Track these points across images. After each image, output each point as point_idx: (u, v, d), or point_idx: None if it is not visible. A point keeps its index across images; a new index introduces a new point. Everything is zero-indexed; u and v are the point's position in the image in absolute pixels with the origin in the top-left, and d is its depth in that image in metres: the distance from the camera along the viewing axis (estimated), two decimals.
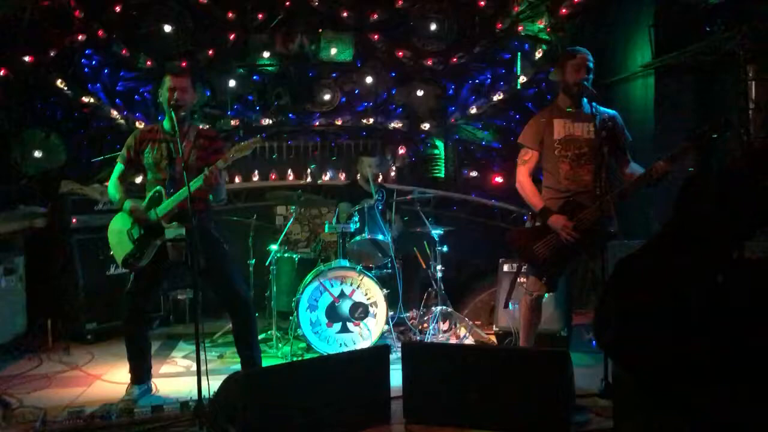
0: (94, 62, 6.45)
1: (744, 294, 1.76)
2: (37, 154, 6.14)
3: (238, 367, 4.11)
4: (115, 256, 3.90)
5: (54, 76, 6.22)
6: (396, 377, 3.51)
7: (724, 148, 4.69)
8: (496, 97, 6.85)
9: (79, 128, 6.48)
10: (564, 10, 6.46)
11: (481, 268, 6.04)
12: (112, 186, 3.91)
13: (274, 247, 5.23)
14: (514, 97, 6.91)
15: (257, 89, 6.87)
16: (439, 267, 5.21)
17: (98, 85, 6.39)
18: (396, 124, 6.97)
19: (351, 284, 4.83)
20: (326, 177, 6.96)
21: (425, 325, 5.28)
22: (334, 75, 6.91)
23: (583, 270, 4.02)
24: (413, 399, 3.42)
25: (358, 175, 5.85)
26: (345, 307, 4.79)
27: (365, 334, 4.80)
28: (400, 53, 6.83)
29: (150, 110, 6.44)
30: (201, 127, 4.04)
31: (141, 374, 3.96)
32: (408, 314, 5.51)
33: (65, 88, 6.23)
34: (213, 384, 3.32)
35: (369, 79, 6.91)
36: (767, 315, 1.73)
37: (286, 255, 5.43)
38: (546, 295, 3.99)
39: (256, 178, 6.89)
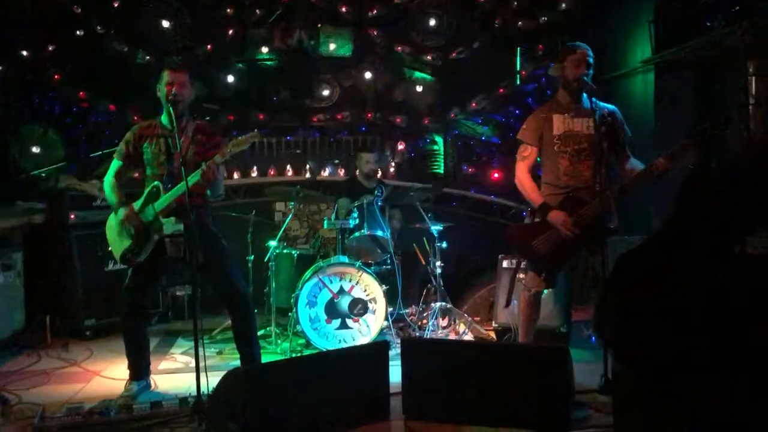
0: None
1: (745, 290, 1.75)
2: (35, 149, 6.12)
3: (237, 363, 4.10)
4: (113, 252, 3.89)
5: (52, 72, 6.21)
6: (395, 373, 3.50)
7: (725, 144, 4.68)
8: (495, 93, 6.85)
9: (77, 124, 6.46)
10: (564, 5, 6.45)
11: (480, 264, 6.04)
12: (109, 186, 3.87)
13: (272, 243, 5.22)
14: (513, 92, 6.91)
15: (256, 84, 6.85)
16: (438, 263, 5.20)
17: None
18: (395, 120, 6.96)
19: (350, 280, 4.82)
20: (325, 173, 6.95)
21: (424, 321, 5.28)
22: (332, 70, 6.89)
23: (583, 266, 4.02)
24: (412, 395, 3.41)
25: (357, 171, 5.85)
26: (344, 303, 4.79)
27: (364, 330, 4.79)
28: (400, 48, 6.81)
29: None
30: (199, 122, 4.01)
31: (140, 370, 3.95)
32: (407, 310, 5.51)
33: (63, 84, 6.22)
34: (212, 380, 3.31)
35: (368, 75, 6.89)
36: None
37: (285, 251, 5.42)
38: (545, 291, 3.98)
39: (254, 174, 6.88)
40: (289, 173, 6.88)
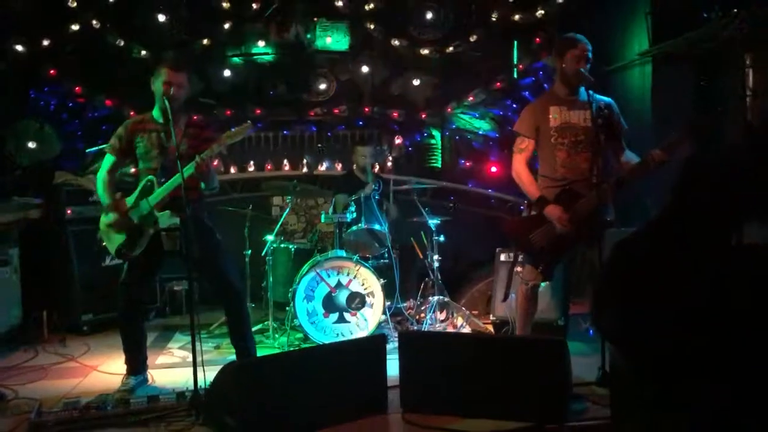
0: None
1: (743, 280, 1.74)
2: (32, 144, 6.09)
3: (234, 357, 4.09)
4: (107, 247, 3.87)
5: (47, 66, 6.18)
6: (393, 367, 3.50)
7: (721, 136, 4.68)
8: (492, 87, 6.83)
9: (73, 119, 6.43)
10: None
11: (478, 257, 6.03)
12: (102, 183, 3.85)
13: (270, 237, 5.20)
14: (510, 86, 6.88)
15: (252, 79, 6.82)
16: (436, 257, 5.20)
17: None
18: (392, 114, 6.94)
19: (348, 274, 4.81)
20: (322, 167, 6.93)
21: (422, 314, 5.28)
22: (329, 64, 6.86)
23: (580, 259, 4.01)
24: (410, 388, 3.40)
25: (354, 165, 5.84)
26: (342, 297, 4.78)
27: (362, 324, 4.79)
28: (396, 42, 6.78)
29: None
30: (191, 116, 4.01)
31: (137, 365, 3.95)
32: (405, 304, 5.51)
33: (59, 78, 6.19)
34: (209, 374, 3.32)
35: (365, 68, 6.87)
36: (766, 300, 1.72)
37: (282, 245, 5.41)
38: (543, 284, 3.98)
39: (251, 169, 6.86)
40: (286, 167, 6.86)
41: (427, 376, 3.39)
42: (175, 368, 4.35)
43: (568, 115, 3.74)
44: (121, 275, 3.91)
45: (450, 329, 5.13)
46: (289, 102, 6.82)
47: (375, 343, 3.54)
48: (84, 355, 4.74)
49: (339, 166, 6.89)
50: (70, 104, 6.43)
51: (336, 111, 6.86)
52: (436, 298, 5.17)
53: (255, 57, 6.80)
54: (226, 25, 6.57)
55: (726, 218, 1.85)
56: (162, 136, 3.79)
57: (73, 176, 5.59)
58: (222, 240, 3.99)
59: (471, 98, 6.88)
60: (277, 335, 4.99)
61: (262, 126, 6.85)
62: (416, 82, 6.92)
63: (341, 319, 4.78)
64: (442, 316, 5.24)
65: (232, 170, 6.83)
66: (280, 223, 5.36)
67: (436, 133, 7.21)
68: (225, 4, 6.52)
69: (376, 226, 5.10)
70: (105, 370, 4.33)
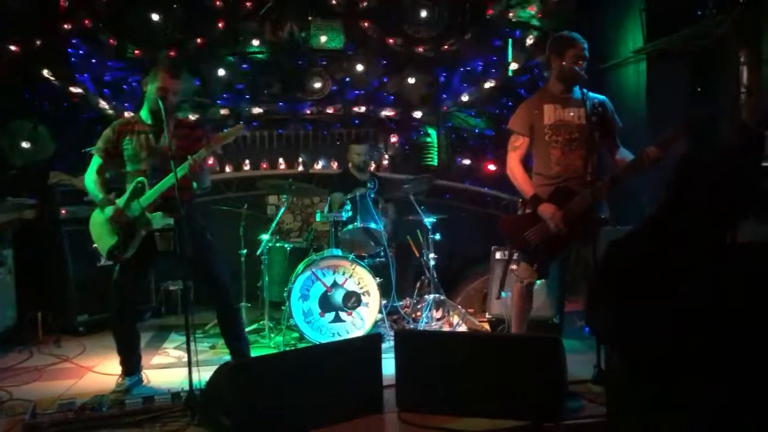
0: (81, 51, 6.36)
1: (737, 278, 1.74)
2: (25, 145, 6.07)
3: (229, 357, 4.09)
4: (98, 248, 3.84)
5: (41, 66, 6.15)
6: (389, 366, 3.50)
7: (715, 133, 4.68)
8: (488, 85, 6.83)
9: (67, 119, 6.41)
10: None
11: (473, 255, 6.03)
12: (92, 182, 3.83)
13: (265, 236, 5.19)
14: (506, 84, 6.88)
15: (247, 78, 6.81)
16: (432, 255, 5.20)
17: (86, 75, 6.32)
18: (388, 112, 6.93)
19: (343, 273, 4.81)
20: (318, 165, 6.93)
21: (418, 313, 5.27)
22: (324, 63, 6.85)
23: (575, 257, 4.01)
24: (406, 387, 3.40)
25: (350, 163, 5.83)
26: (338, 296, 4.78)
27: (358, 324, 4.79)
28: (391, 40, 6.77)
29: (140, 100, 6.38)
30: (179, 117, 4.01)
31: (131, 366, 3.94)
32: (401, 303, 5.50)
33: (52, 78, 6.16)
34: (204, 375, 3.31)
35: (360, 67, 6.85)
36: (762, 298, 1.72)
37: (277, 245, 5.40)
38: (538, 282, 3.98)
39: (247, 168, 6.85)
40: (282, 166, 6.85)
41: (423, 375, 3.39)
42: (171, 368, 4.35)
43: (562, 113, 3.74)
44: (113, 276, 3.89)
45: (446, 327, 5.13)
46: (284, 101, 6.80)
47: (370, 343, 3.54)
48: (79, 355, 4.72)
49: (335, 165, 6.88)
50: (65, 104, 6.40)
51: (331, 110, 6.85)
52: (432, 296, 5.16)
53: (249, 56, 6.78)
54: (220, 24, 6.55)
55: (721, 216, 1.85)
56: (151, 137, 3.79)
57: (67, 176, 5.56)
58: (213, 240, 3.97)
59: (466, 96, 6.88)
60: (272, 335, 4.98)
61: (257, 125, 6.83)
62: (411, 81, 6.91)
63: (337, 319, 4.77)
64: (438, 314, 5.23)
65: (228, 169, 6.81)
66: (275, 222, 5.34)
67: (431, 132, 7.21)
68: (219, 3, 6.51)
69: (372, 225, 5.09)
70: (100, 370, 4.32)
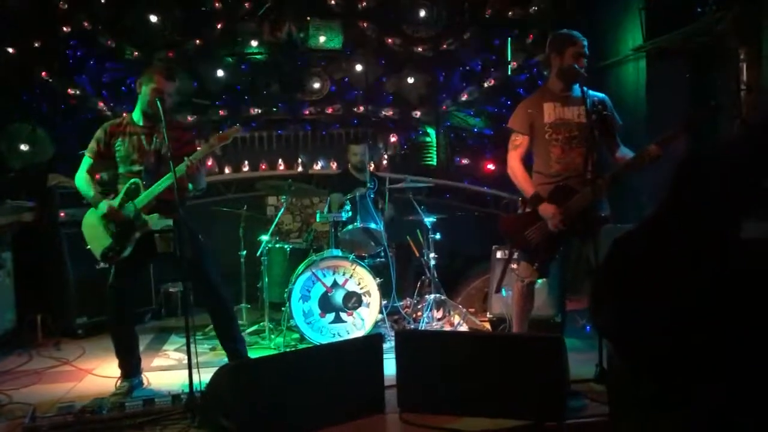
0: (79, 53, 6.36)
1: (740, 276, 1.73)
2: (24, 147, 6.06)
3: None
4: (92, 251, 3.82)
5: (39, 68, 6.15)
6: (390, 366, 3.48)
7: (716, 131, 4.67)
8: (487, 84, 6.82)
9: (66, 121, 6.40)
10: None
11: (474, 255, 6.02)
12: (83, 181, 3.81)
13: (265, 237, 5.18)
14: (505, 83, 6.88)
15: (246, 79, 6.80)
16: (432, 255, 5.18)
17: (84, 77, 6.31)
18: (387, 112, 6.93)
19: (344, 274, 4.79)
20: (317, 166, 6.92)
21: (419, 313, 5.26)
22: (323, 63, 6.84)
23: (576, 255, 4.00)
24: (407, 388, 3.39)
25: (349, 163, 5.82)
26: (338, 296, 4.76)
27: (359, 324, 4.77)
28: (390, 40, 6.77)
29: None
30: (171, 119, 4.00)
31: (130, 368, 3.92)
32: (402, 303, 5.49)
33: (50, 80, 6.16)
34: (205, 376, 3.29)
35: (359, 67, 6.84)
36: (764, 296, 1.70)
37: (277, 245, 5.39)
38: (539, 281, 3.96)
39: (246, 169, 6.84)
40: (281, 167, 6.85)
41: (424, 375, 3.37)
42: (171, 371, 4.33)
43: (562, 111, 3.72)
44: (109, 278, 3.87)
45: (447, 327, 5.11)
46: (283, 101, 6.80)
47: (372, 343, 3.52)
48: (79, 358, 4.71)
49: (334, 165, 6.87)
50: (63, 106, 6.39)
51: (330, 110, 6.84)
52: (432, 296, 5.15)
53: (248, 56, 6.77)
54: (219, 25, 6.54)
55: (723, 214, 1.84)
56: (142, 138, 3.78)
57: (66, 179, 5.54)
58: (206, 241, 3.95)
59: (465, 96, 6.88)
60: (273, 336, 4.96)
61: (256, 125, 6.83)
62: (410, 80, 6.91)
63: (338, 319, 4.76)
64: (438, 314, 5.22)
65: (227, 170, 6.81)
66: (275, 223, 5.33)
67: (431, 131, 7.20)
68: (217, 4, 6.50)
69: (372, 225, 5.08)
70: (100, 373, 4.30)
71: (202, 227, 4.08)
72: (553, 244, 3.73)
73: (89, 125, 6.35)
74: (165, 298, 5.97)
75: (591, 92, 3.70)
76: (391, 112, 6.95)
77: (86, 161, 3.84)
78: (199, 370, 3.35)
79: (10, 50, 6.01)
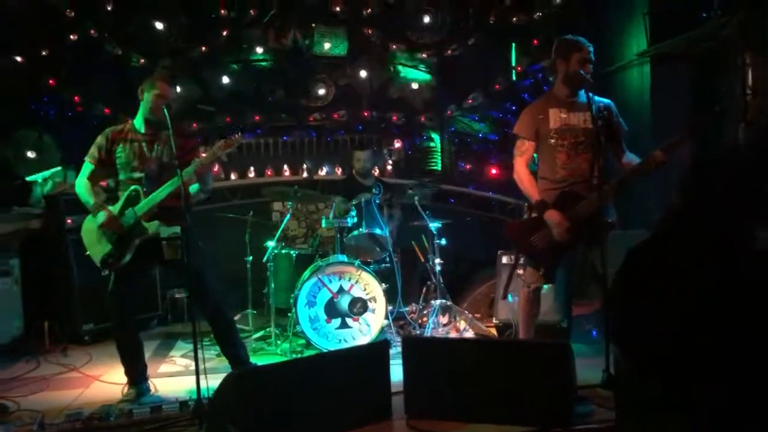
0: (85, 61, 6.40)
1: (754, 285, 1.72)
2: (31, 154, 6.09)
3: None
4: (91, 257, 3.82)
5: (46, 76, 6.18)
6: (396, 372, 3.48)
7: (720, 136, 4.66)
8: (491, 89, 6.83)
9: (72, 128, 6.43)
10: (558, 0, 6.43)
11: (479, 260, 6.02)
12: (83, 188, 3.80)
13: (271, 243, 5.19)
14: (509, 88, 6.89)
15: (251, 85, 6.82)
16: (437, 260, 5.18)
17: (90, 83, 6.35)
18: (391, 118, 6.94)
19: (349, 279, 4.80)
20: (322, 172, 6.93)
21: (425, 319, 5.26)
22: (328, 69, 6.86)
23: (581, 260, 4.00)
24: (414, 394, 3.39)
25: (354, 170, 5.84)
26: (344, 302, 4.77)
27: (364, 330, 4.77)
28: (395, 46, 6.78)
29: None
30: (176, 126, 4.00)
31: (136, 375, 3.92)
32: (407, 308, 5.49)
33: (57, 88, 6.20)
34: (212, 383, 3.29)
35: (363, 73, 6.86)
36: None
37: (283, 251, 5.40)
38: (545, 286, 3.96)
39: (251, 175, 6.86)
40: (286, 173, 6.87)
41: (431, 381, 3.37)
42: (178, 377, 4.34)
43: (567, 117, 3.72)
44: (109, 285, 3.87)
45: (453, 333, 5.11)
46: (288, 108, 6.82)
47: (378, 350, 3.53)
48: (86, 365, 4.72)
49: (339, 171, 6.89)
50: (69, 113, 6.42)
51: (335, 116, 6.86)
52: (438, 301, 5.15)
53: (253, 63, 6.80)
54: (224, 32, 6.57)
55: (728, 220, 1.83)
56: (144, 146, 3.79)
57: (72, 185, 5.58)
58: (203, 247, 3.96)
59: (470, 101, 6.89)
60: (279, 341, 4.97)
61: (262, 132, 6.85)
62: (415, 86, 6.92)
63: (343, 325, 4.76)
64: (444, 319, 5.22)
65: (233, 176, 6.83)
66: (281, 228, 5.34)
67: (435, 136, 7.22)
68: (223, 11, 6.52)
69: (377, 231, 5.09)
70: (107, 380, 4.31)
71: (207, 233, 4.09)
72: (559, 250, 3.73)
73: (96, 132, 6.43)
74: (171, 304, 5.99)
75: (596, 98, 3.70)
76: (395, 118, 6.96)
77: (87, 167, 3.85)
78: (206, 377, 3.35)
79: (18, 58, 6.04)
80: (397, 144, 7.20)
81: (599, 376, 3.54)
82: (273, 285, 5.11)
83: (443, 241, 5.26)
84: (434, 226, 5.20)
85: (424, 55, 6.82)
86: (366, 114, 6.89)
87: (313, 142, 7.02)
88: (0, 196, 5.58)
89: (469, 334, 5.06)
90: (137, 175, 3.77)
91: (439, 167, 7.20)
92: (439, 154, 7.22)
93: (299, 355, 4.66)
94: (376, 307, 4.79)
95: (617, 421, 2.78)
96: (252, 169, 6.87)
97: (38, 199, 5.60)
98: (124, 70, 6.41)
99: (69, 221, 5.36)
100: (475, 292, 5.61)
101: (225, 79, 6.67)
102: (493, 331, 5.04)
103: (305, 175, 6.82)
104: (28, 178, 5.72)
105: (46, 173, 5.69)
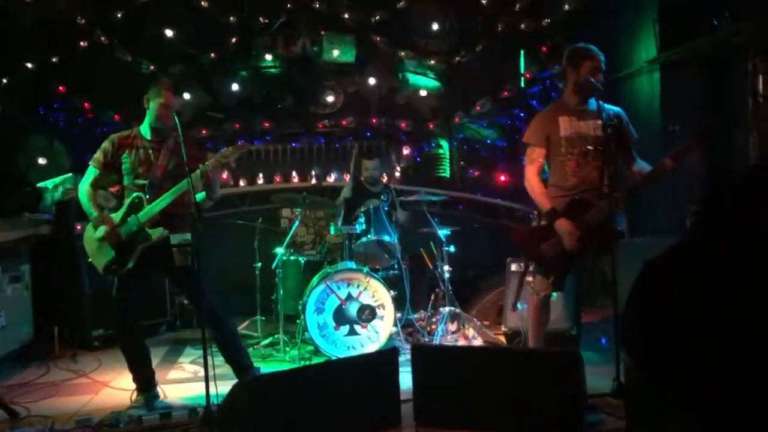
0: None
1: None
2: (41, 161, 6.13)
3: None
4: (94, 263, 3.82)
5: (56, 82, 6.23)
6: (405, 380, 3.48)
7: (730, 143, 4.65)
8: (499, 96, 6.83)
9: (82, 134, 6.47)
10: (567, 6, 6.43)
11: (488, 267, 6.01)
12: (85, 195, 3.80)
13: (279, 250, 5.20)
14: (518, 95, 6.88)
15: (260, 92, 6.85)
16: (446, 267, 5.18)
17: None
18: (400, 124, 6.95)
19: (358, 286, 4.80)
20: (331, 178, 6.95)
21: (433, 326, 5.25)
22: (336, 76, 6.88)
23: (591, 268, 3.98)
24: (423, 402, 3.38)
25: (362, 176, 5.85)
26: (352, 309, 4.77)
27: (373, 337, 4.77)
28: (403, 53, 6.80)
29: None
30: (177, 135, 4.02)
31: (144, 381, 3.92)
32: (416, 315, 5.48)
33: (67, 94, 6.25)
34: (221, 389, 3.29)
35: (372, 80, 6.88)
36: None
37: (292, 258, 5.41)
38: (554, 294, 3.94)
39: (260, 181, 6.88)
40: (295, 179, 6.89)
41: (440, 389, 3.36)
42: (187, 383, 4.35)
43: (578, 125, 3.71)
44: (113, 293, 3.88)
45: (461, 340, 5.09)
46: (296, 114, 6.84)
47: (387, 358, 3.52)
48: (95, 370, 4.74)
49: (347, 177, 6.90)
50: (79, 120, 6.47)
51: (344, 123, 6.88)
52: (447, 309, 5.14)
53: (262, 70, 6.83)
54: (233, 39, 6.60)
55: (755, 236, 1.82)
56: (150, 153, 3.81)
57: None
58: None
59: (478, 108, 6.89)
60: (287, 348, 4.97)
61: (271, 139, 6.88)
62: (423, 93, 6.93)
63: (352, 332, 4.76)
64: (453, 327, 5.20)
65: (242, 183, 6.85)
66: (289, 235, 5.34)
67: (443, 143, 7.22)
68: (232, 18, 6.56)
69: (386, 238, 5.09)
70: (116, 385, 4.32)
71: (216, 240, 4.09)
72: (568, 259, 3.71)
73: (106, 138, 6.47)
74: (180, 310, 6.00)
75: (606, 106, 3.69)
76: (404, 124, 6.97)
77: (91, 171, 3.85)
78: (216, 383, 3.35)
79: (29, 65, 6.09)
80: (406, 151, 7.21)
81: (609, 384, 3.51)
82: (282, 291, 5.11)
83: (452, 248, 5.25)
84: (443, 233, 5.19)
85: (433, 62, 6.82)
86: (374, 121, 6.91)
87: (322, 149, 7.04)
88: (11, 203, 5.62)
89: (478, 341, 5.04)
90: (140, 181, 3.78)
91: (447, 174, 7.20)
92: (448, 160, 7.22)
93: (308, 362, 4.66)
94: (384, 314, 4.79)
95: (627, 431, 2.76)
96: (261, 175, 6.89)
97: (49, 205, 5.63)
98: (134, 77, 6.44)
99: (79, 227, 5.38)
100: (483, 299, 5.60)
101: (234, 86, 6.70)
102: (502, 338, 5.02)
103: (314, 181, 6.84)
104: (38, 185, 5.75)
105: (57, 180, 5.71)
